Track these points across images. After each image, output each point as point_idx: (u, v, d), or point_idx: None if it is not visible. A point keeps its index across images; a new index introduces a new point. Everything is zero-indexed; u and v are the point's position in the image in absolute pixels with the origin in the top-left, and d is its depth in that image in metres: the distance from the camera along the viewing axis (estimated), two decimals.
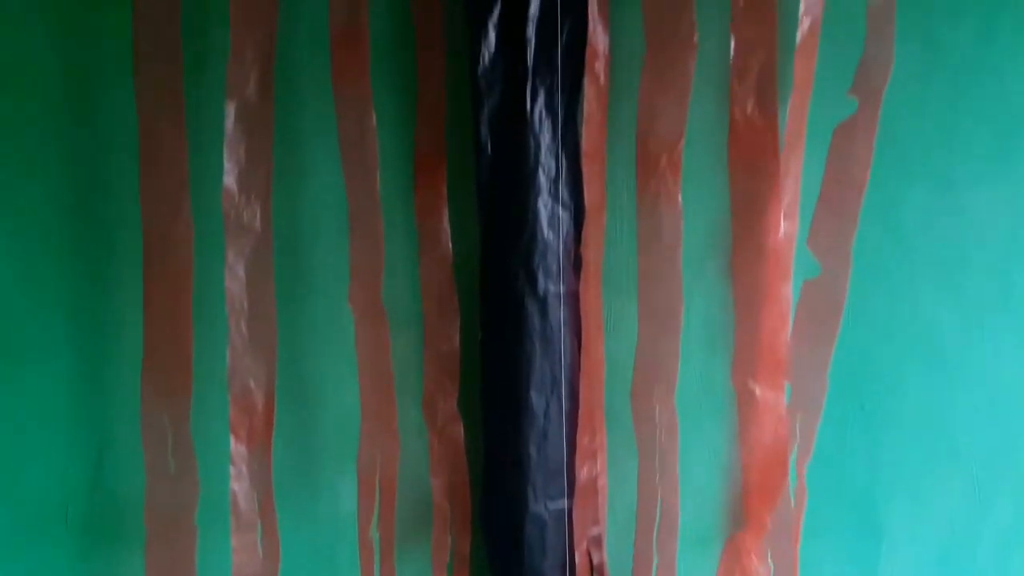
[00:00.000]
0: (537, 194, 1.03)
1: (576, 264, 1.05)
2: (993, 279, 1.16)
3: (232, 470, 1.02)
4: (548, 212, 1.03)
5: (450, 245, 1.05)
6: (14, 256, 1.04)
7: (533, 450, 1.04)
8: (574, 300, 1.05)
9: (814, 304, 1.08)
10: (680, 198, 1.06)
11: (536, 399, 1.04)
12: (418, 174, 1.05)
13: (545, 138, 1.03)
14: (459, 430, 1.07)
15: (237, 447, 1.02)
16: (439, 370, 1.06)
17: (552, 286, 1.03)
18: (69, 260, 1.05)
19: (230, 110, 0.98)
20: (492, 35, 1.02)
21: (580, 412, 1.06)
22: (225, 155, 0.99)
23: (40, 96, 1.03)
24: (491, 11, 1.01)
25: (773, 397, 1.08)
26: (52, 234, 1.04)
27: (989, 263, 1.15)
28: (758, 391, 1.08)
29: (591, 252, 1.06)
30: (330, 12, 0.99)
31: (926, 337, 1.15)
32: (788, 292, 1.08)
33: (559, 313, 1.04)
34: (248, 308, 1.01)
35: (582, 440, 1.07)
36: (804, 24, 1.04)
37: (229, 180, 0.99)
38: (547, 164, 1.03)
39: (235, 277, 1.00)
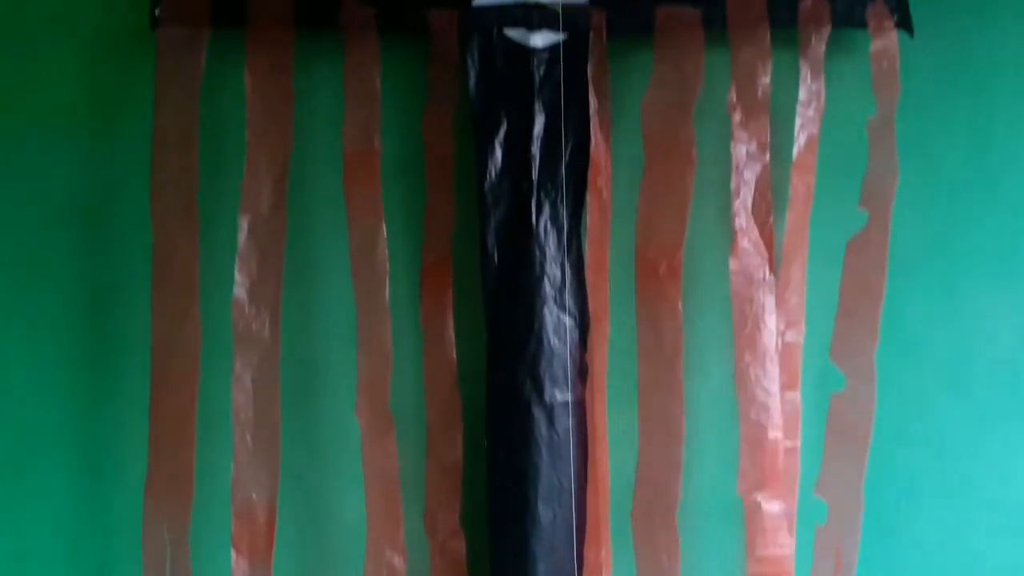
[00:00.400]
0: (543, 303, 1.04)
1: (582, 372, 1.05)
2: (1001, 382, 1.15)
3: None
4: (554, 320, 1.04)
5: (454, 353, 1.05)
6: (25, 362, 1.06)
7: (542, 565, 1.02)
8: (580, 409, 1.05)
9: (843, 419, 1.07)
10: (680, 305, 1.06)
11: (544, 511, 1.02)
12: (425, 283, 1.07)
13: (550, 249, 1.05)
14: (461, 546, 1.05)
15: (238, 561, 1.00)
16: (441, 482, 1.05)
17: (559, 394, 1.03)
18: (79, 369, 1.07)
19: (243, 223, 1.01)
20: (499, 152, 1.06)
21: (587, 525, 1.04)
22: (237, 267, 1.01)
23: (57, 205, 1.07)
24: (498, 130, 1.06)
25: (781, 509, 1.05)
26: (62, 342, 1.07)
27: (996, 366, 1.15)
28: (764, 503, 1.05)
29: (596, 360, 1.07)
30: (344, 131, 1.04)
31: (937, 444, 1.14)
32: (795, 401, 1.07)
33: (566, 422, 1.03)
34: (254, 419, 1.01)
35: (589, 554, 1.05)
36: (800, 140, 1.07)
37: (240, 292, 1.01)
38: (552, 274, 1.05)
39: (242, 388, 1.01)
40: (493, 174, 1.05)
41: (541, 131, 1.06)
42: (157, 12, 1.01)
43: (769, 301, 1.06)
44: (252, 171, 1.02)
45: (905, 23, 1.08)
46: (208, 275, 1.02)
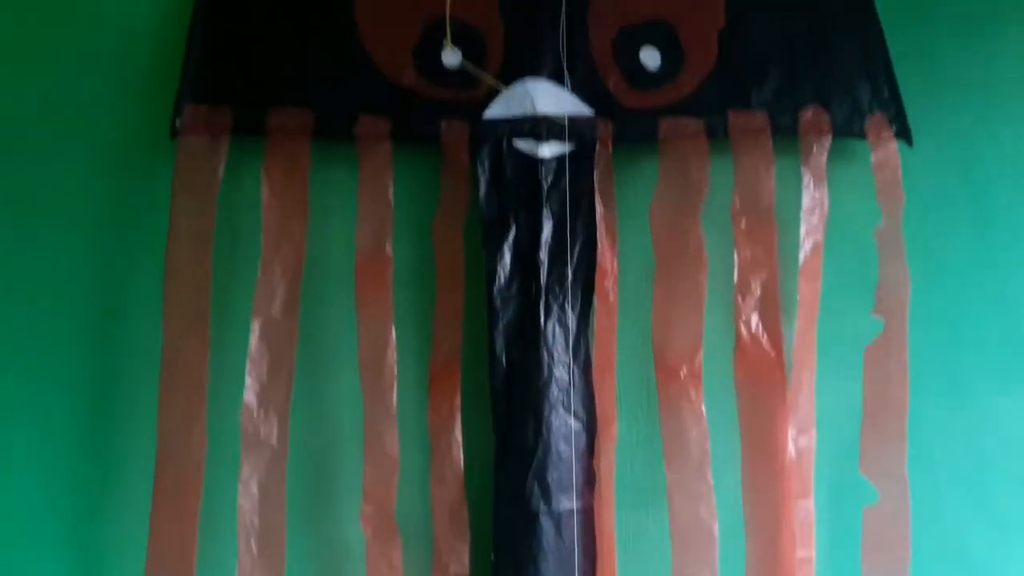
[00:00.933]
0: (551, 407, 1.04)
1: (589, 479, 1.04)
2: (1018, 489, 1.13)
3: None
4: (562, 425, 1.04)
5: (462, 459, 1.03)
6: (28, 463, 1.04)
7: None
8: (588, 517, 1.03)
9: (878, 534, 1.05)
10: (703, 408, 1.05)
11: None
12: (433, 388, 1.06)
13: (558, 352, 1.06)
14: None
15: None
16: None
17: (567, 502, 1.02)
18: (82, 468, 1.05)
19: (255, 327, 1.02)
20: (508, 256, 1.07)
21: None
22: (248, 371, 1.01)
23: (69, 306, 1.07)
24: (507, 235, 1.08)
25: None
26: (67, 443, 1.05)
27: (1012, 473, 1.13)
28: None
29: (604, 466, 1.05)
30: (357, 238, 1.06)
31: (956, 556, 1.11)
32: (808, 509, 1.05)
33: (574, 530, 1.02)
34: (259, 526, 0.99)
35: None
36: (806, 245, 1.09)
37: (249, 396, 1.01)
38: (560, 377, 1.05)
39: (248, 493, 0.99)
40: (502, 278, 1.07)
41: (549, 237, 1.08)
42: (178, 122, 1.04)
43: (780, 407, 1.05)
44: (266, 276, 1.03)
45: (904, 133, 1.11)
46: (217, 379, 1.02)
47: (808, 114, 1.10)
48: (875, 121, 1.11)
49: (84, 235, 1.09)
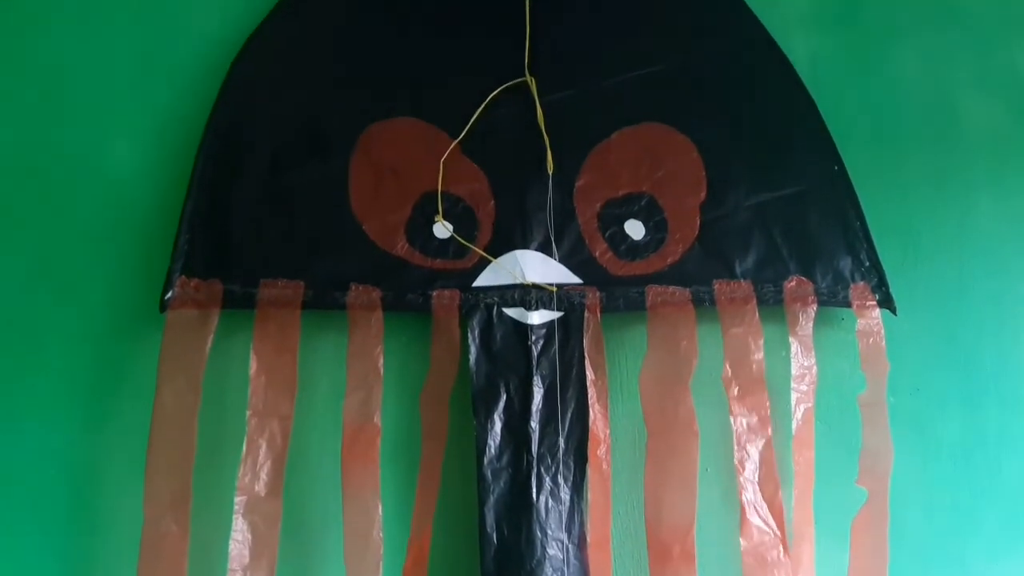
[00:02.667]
0: None
1: None
2: None
3: None
4: None
5: None
6: None
7: None
8: None
9: None
10: None
11: None
12: (413, 566, 1.01)
13: (551, 528, 1.02)
14: None
15: None
16: None
17: None
18: None
19: (238, 506, 0.99)
20: (498, 425, 1.06)
21: None
22: (230, 551, 0.97)
23: (45, 481, 1.04)
24: (497, 403, 1.07)
25: None
26: None
27: None
28: None
29: None
30: (344, 407, 1.04)
31: None
32: None
33: None
34: None
35: None
36: (797, 414, 1.08)
37: None
38: (554, 556, 1.01)
39: None
40: (492, 449, 1.05)
41: (540, 404, 1.07)
42: (168, 296, 1.04)
43: None
44: (251, 453, 1.00)
45: (887, 302, 1.13)
46: (197, 560, 0.98)
47: (792, 284, 1.12)
48: (858, 290, 1.13)
49: (67, 409, 1.07)
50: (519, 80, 1.16)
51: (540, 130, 1.14)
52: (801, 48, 1.23)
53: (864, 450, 1.07)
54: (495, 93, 1.14)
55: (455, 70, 1.17)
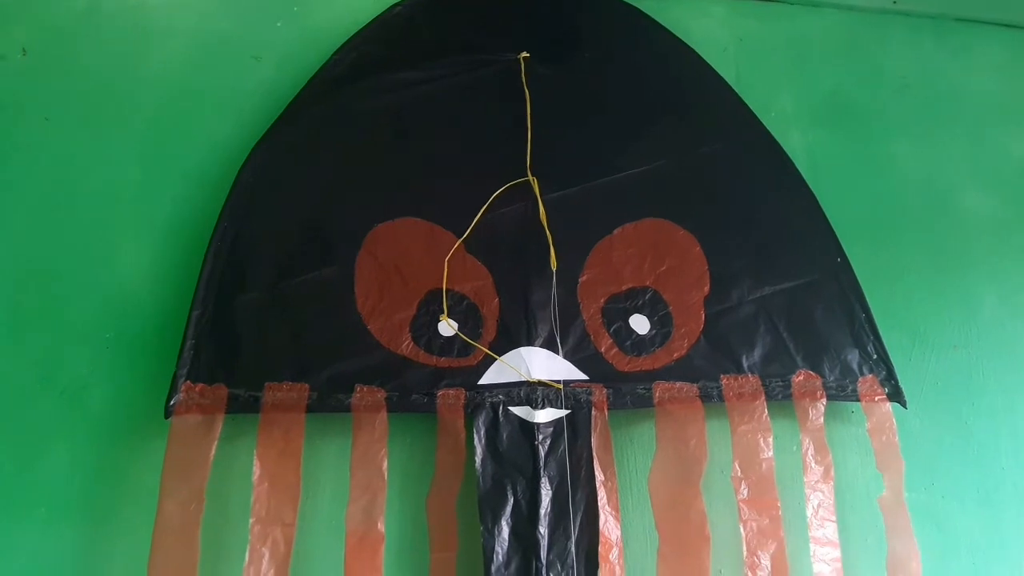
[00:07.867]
0: None
1: None
2: None
3: None
4: None
5: None
6: None
7: None
8: None
9: None
10: None
11: None
12: None
13: None
14: None
15: None
16: None
17: None
18: None
19: None
20: (506, 530, 1.03)
21: None
22: None
23: None
24: (504, 507, 1.04)
25: None
26: None
27: None
28: None
29: None
30: (348, 513, 1.02)
31: None
32: None
33: None
34: None
35: None
36: (811, 509, 1.06)
37: None
38: None
39: None
40: (500, 556, 1.02)
41: (549, 507, 1.04)
42: (172, 401, 1.02)
43: None
44: (254, 562, 0.98)
45: (897, 396, 1.12)
46: None
47: (800, 378, 1.11)
48: (867, 384, 1.12)
49: (70, 513, 1.04)
50: (522, 180, 1.18)
51: (543, 227, 1.15)
52: (799, 143, 1.25)
53: (890, 554, 1.04)
54: (498, 192, 1.16)
55: (458, 171, 1.19)
